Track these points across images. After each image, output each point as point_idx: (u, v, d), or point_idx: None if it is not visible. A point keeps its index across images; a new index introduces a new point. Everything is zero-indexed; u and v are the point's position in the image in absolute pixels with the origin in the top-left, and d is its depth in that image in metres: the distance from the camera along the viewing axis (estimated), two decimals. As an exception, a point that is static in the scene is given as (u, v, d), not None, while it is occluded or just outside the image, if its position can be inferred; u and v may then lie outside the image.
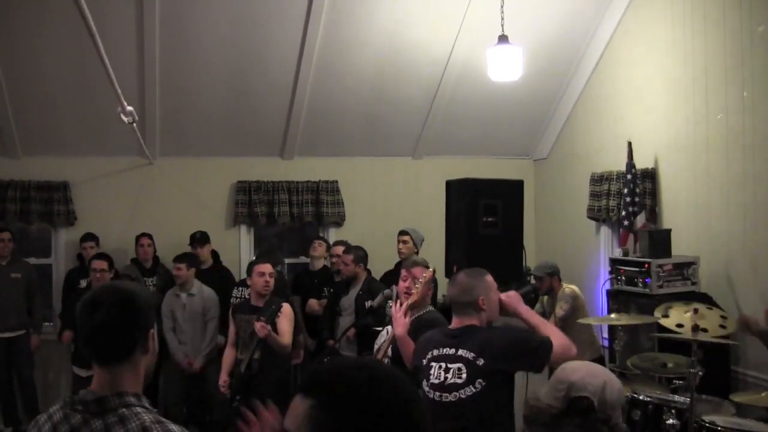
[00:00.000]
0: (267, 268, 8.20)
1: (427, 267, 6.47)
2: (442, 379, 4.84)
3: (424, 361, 5.00)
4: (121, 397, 2.81)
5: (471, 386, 4.75)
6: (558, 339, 5.04)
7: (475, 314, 5.03)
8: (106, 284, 3.09)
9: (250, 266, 8.49)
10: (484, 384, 4.74)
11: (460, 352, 4.86)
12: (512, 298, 5.40)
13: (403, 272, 6.52)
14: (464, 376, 4.78)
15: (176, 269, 9.80)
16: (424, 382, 4.93)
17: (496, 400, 4.82)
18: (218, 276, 10.52)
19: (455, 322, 5.09)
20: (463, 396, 4.76)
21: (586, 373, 3.70)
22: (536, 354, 4.88)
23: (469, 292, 5.06)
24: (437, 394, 4.84)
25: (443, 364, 4.88)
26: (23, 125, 10.65)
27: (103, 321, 2.83)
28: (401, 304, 5.93)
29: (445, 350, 4.94)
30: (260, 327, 7.67)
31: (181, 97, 10.65)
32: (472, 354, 4.81)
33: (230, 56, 10.23)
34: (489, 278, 5.23)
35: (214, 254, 10.99)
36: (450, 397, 4.80)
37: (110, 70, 6.52)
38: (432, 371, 4.90)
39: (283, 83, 10.62)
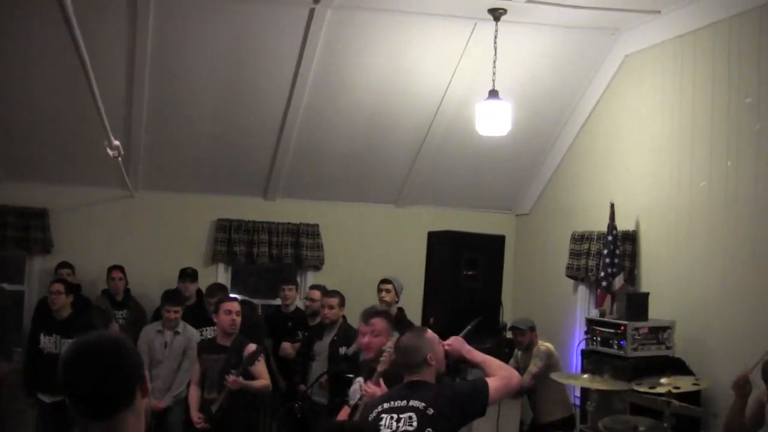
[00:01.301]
0: (234, 306, 8.16)
1: (385, 318, 6.50)
2: (394, 428, 4.86)
3: (373, 415, 5.02)
4: None
5: None
6: (499, 372, 5.21)
7: (426, 370, 5.12)
8: (83, 340, 2.85)
9: (217, 304, 8.43)
10: None
11: (411, 402, 4.92)
12: (455, 343, 5.48)
13: (362, 326, 6.44)
14: (414, 423, 4.83)
15: (173, 312, 9.47)
16: None
17: None
18: (201, 314, 10.41)
19: (406, 381, 5.17)
20: None
21: None
22: (474, 402, 5.03)
23: (417, 353, 5.14)
24: None
25: (394, 415, 4.91)
26: (5, 150, 10.60)
27: (101, 376, 2.72)
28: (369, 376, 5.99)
29: (395, 402, 4.99)
30: (232, 381, 7.68)
31: (167, 132, 10.64)
32: (423, 404, 4.88)
33: (220, 93, 10.22)
34: (430, 334, 5.37)
35: (198, 292, 10.91)
36: None
37: (99, 102, 6.51)
38: (383, 422, 4.92)
39: (271, 123, 10.61)
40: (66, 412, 9.27)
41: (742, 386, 6.21)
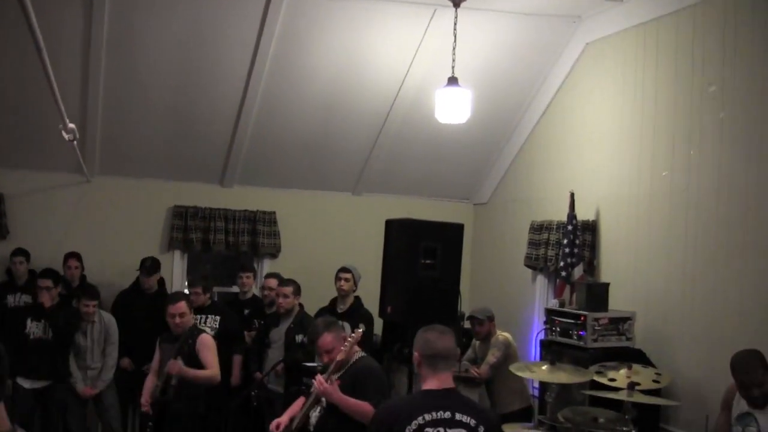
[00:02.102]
0: (176, 308, 8.09)
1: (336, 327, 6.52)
2: None
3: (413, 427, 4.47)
4: None
5: None
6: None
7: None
8: None
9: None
10: None
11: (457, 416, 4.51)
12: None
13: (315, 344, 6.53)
14: None
15: (91, 306, 9.55)
16: None
17: None
18: (160, 302, 10.28)
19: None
20: None
21: None
22: None
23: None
24: None
25: (441, 429, 4.44)
26: (-43, 135, 10.38)
27: None
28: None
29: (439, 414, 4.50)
30: (171, 365, 7.75)
31: (123, 117, 10.47)
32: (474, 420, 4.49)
33: (176, 78, 10.08)
34: None
35: (161, 281, 10.81)
36: None
37: (55, 85, 6.36)
38: None
39: (228, 110, 10.49)
40: (40, 400, 9.21)
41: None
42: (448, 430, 4.38)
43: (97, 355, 9.67)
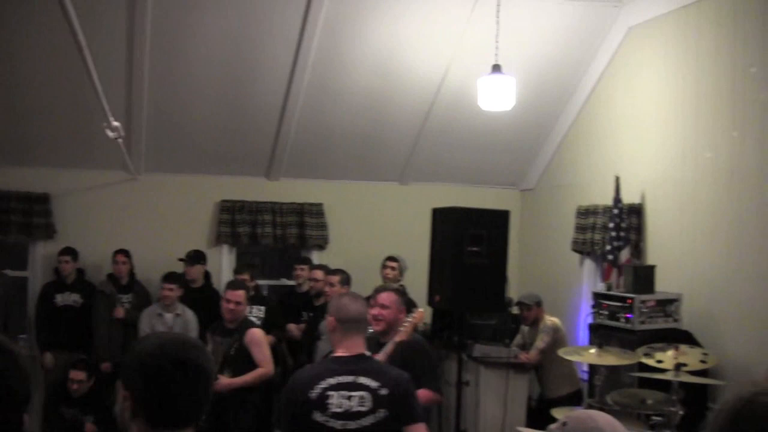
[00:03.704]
0: (234, 296, 8.09)
1: (401, 293, 6.53)
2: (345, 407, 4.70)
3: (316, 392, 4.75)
4: None
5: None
6: None
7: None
8: None
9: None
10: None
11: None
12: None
13: (371, 301, 6.48)
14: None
15: (167, 290, 9.67)
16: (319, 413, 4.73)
17: None
18: (207, 296, 10.41)
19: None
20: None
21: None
22: None
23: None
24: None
25: (343, 392, 4.71)
26: (4, 135, 10.49)
27: None
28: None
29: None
30: (218, 386, 7.49)
31: (168, 113, 10.57)
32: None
33: (220, 73, 10.17)
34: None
35: (206, 274, 10.90)
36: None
37: (98, 83, 6.47)
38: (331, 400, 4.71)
39: (273, 103, 10.55)
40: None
41: None
42: (349, 393, 4.65)
43: None
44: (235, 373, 7.82)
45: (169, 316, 9.67)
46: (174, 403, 2.65)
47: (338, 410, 4.66)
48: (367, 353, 4.88)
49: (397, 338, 5.99)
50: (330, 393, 4.68)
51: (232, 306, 8.00)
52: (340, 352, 4.87)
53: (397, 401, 4.67)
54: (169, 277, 9.83)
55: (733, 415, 1.99)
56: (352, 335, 4.86)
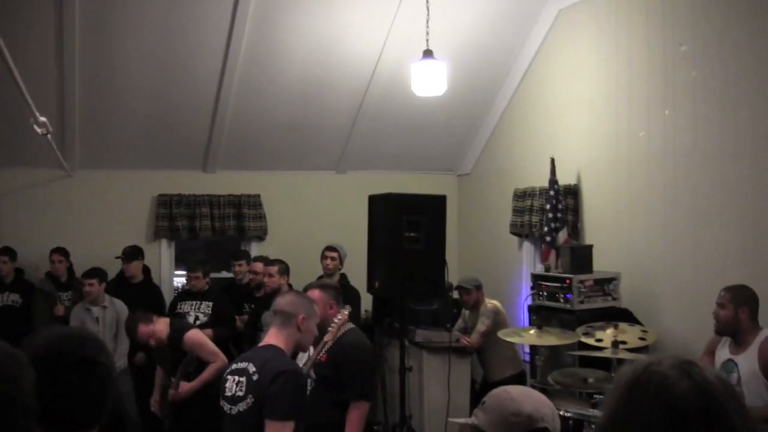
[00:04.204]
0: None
1: (332, 288, 6.54)
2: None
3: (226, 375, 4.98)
4: None
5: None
6: None
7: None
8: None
9: None
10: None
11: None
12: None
13: None
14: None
15: (88, 285, 9.60)
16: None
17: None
18: (146, 292, 10.35)
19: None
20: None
21: (538, 402, 3.45)
22: None
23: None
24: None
25: (235, 377, 4.80)
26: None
27: None
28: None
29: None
30: (172, 395, 7.45)
31: (101, 109, 10.46)
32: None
33: (152, 66, 10.07)
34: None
35: (146, 269, 10.83)
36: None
37: (18, 78, 6.37)
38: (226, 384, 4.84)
39: (206, 95, 10.49)
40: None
41: None
42: (237, 377, 4.72)
43: (108, 340, 9.49)
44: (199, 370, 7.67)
45: (96, 309, 9.65)
46: (68, 402, 2.48)
47: (228, 394, 4.76)
48: (276, 344, 4.84)
49: (325, 338, 5.96)
50: (227, 377, 4.84)
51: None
52: (262, 341, 5.03)
53: (261, 390, 4.57)
54: (89, 273, 9.74)
55: (629, 383, 2.06)
56: (273, 327, 4.94)
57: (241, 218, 11.73)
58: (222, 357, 7.81)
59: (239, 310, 10.11)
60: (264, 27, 9.70)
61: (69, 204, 11.35)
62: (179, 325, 7.97)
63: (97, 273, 9.75)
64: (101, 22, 9.35)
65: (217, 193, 11.72)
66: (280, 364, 4.66)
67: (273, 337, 4.88)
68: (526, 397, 3.32)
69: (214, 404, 7.07)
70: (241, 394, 4.64)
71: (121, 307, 9.77)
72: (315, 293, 6.29)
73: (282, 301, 5.04)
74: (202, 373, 7.64)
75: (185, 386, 7.54)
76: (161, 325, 7.67)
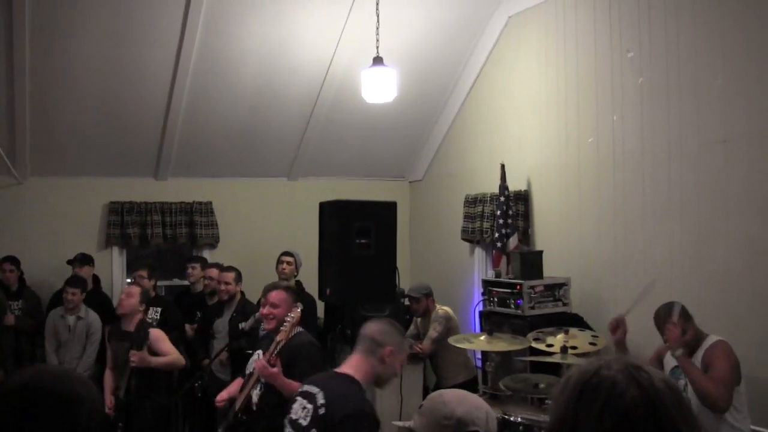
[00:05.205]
0: (129, 290, 8.19)
1: (292, 290, 6.50)
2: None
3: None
4: None
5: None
6: None
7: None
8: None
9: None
10: None
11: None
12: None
13: (263, 299, 6.50)
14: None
15: (70, 294, 9.57)
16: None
17: None
18: (97, 301, 10.29)
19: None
20: None
21: (470, 406, 3.48)
22: None
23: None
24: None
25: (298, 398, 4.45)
26: None
27: None
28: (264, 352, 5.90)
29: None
30: (136, 357, 7.56)
31: (51, 116, 10.36)
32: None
33: (103, 73, 9.99)
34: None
35: (95, 278, 10.77)
36: None
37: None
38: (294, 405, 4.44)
39: (157, 102, 10.44)
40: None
41: (615, 327, 6.34)
42: (304, 402, 4.31)
43: (76, 350, 9.65)
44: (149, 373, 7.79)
45: (71, 318, 9.66)
46: None
47: (293, 416, 4.36)
48: (354, 376, 4.39)
49: (277, 338, 5.94)
50: (296, 398, 4.43)
51: (123, 297, 8.08)
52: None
53: (326, 428, 4.16)
54: (72, 282, 9.75)
55: (579, 385, 2.07)
56: (356, 353, 4.49)
57: (193, 225, 11.68)
58: (180, 356, 8.05)
59: (191, 318, 10.05)
60: (215, 34, 9.68)
61: (19, 212, 11.20)
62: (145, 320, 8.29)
63: (80, 283, 9.77)
64: (51, 28, 9.29)
65: (169, 200, 11.65)
66: (352, 405, 4.21)
67: (353, 364, 4.46)
68: (459, 401, 3.39)
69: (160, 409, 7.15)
70: (304, 424, 4.24)
71: (93, 319, 9.79)
72: (281, 294, 6.31)
73: (374, 327, 4.55)
74: (161, 357, 7.82)
75: (141, 354, 7.63)
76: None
